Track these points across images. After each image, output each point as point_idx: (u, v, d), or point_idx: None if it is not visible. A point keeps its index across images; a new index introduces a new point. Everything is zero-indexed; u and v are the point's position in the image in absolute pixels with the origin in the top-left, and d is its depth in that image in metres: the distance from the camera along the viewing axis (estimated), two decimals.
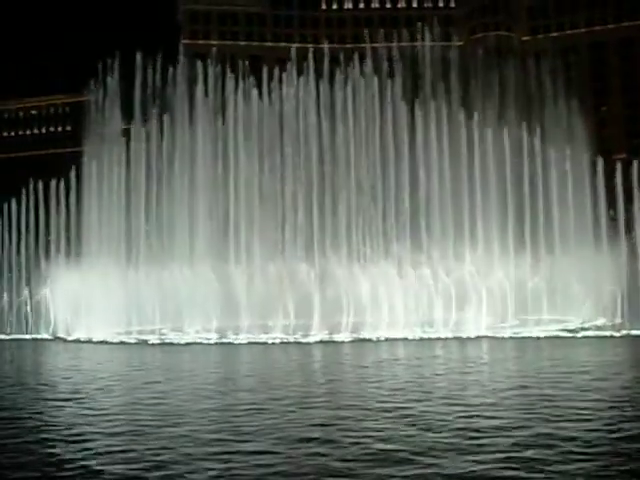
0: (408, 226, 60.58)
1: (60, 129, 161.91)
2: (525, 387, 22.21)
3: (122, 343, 48.48)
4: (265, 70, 71.55)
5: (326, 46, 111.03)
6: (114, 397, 22.28)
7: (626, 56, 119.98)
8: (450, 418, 16.89)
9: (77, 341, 51.33)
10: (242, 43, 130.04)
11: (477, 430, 15.38)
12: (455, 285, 50.49)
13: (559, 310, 52.69)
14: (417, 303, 50.06)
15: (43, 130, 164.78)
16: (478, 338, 45.67)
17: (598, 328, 48.90)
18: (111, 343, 48.74)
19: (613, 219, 59.67)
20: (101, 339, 50.34)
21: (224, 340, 47.35)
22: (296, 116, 69.68)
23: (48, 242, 66.85)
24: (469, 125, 65.14)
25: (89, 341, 50.47)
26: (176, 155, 67.63)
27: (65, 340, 52.43)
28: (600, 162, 61.70)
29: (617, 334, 45.98)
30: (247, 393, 22.29)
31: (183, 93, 75.83)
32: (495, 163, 62.85)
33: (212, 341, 47.33)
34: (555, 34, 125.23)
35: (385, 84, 74.41)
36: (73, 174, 69.12)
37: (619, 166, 61.42)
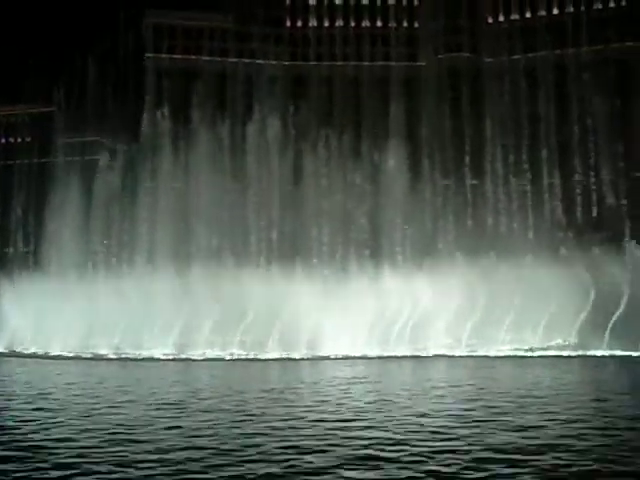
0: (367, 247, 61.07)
1: (20, 140, 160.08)
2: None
3: (78, 358, 47.98)
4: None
5: (288, 63, 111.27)
6: None
7: (586, 79, 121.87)
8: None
9: (33, 355, 50.67)
10: (206, 58, 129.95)
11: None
12: (412, 303, 50.79)
13: (517, 329, 53.05)
14: (378, 321, 50.15)
15: (2, 140, 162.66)
16: (435, 357, 46.06)
17: (556, 348, 49.53)
18: (67, 358, 48.21)
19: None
20: (57, 353, 49.82)
21: (182, 356, 47.14)
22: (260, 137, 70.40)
23: (5, 254, 66.22)
24: None
25: (45, 356, 49.86)
26: (139, 170, 67.54)
27: (20, 354, 51.70)
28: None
29: (573, 354, 46.70)
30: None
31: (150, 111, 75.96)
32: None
33: (170, 357, 47.09)
34: (518, 56, 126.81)
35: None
36: (33, 185, 68.66)
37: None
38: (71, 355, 49.09)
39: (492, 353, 47.69)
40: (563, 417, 19.64)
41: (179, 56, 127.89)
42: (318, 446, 15.72)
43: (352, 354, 46.36)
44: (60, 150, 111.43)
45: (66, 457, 14.75)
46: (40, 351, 51.61)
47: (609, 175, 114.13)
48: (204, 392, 27.68)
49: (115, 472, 13.51)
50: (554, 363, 41.57)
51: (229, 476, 13.21)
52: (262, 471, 13.52)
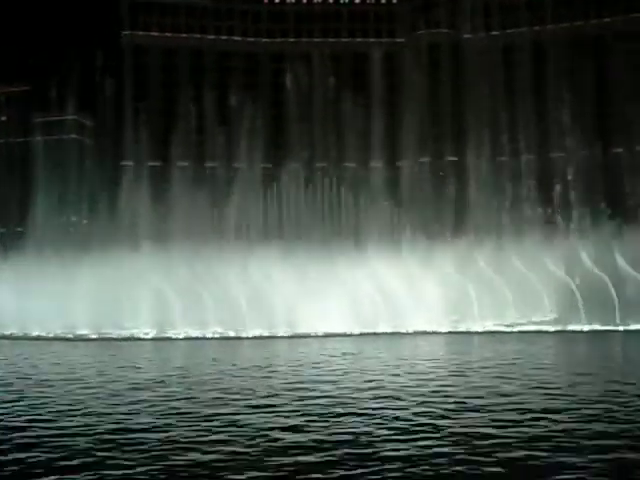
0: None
1: None
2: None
3: (58, 339, 47.69)
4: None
5: (267, 40, 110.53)
6: None
7: (566, 56, 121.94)
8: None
9: (10, 337, 50.20)
10: (183, 35, 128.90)
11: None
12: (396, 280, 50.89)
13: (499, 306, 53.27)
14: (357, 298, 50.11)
15: None
16: (415, 334, 46.22)
17: (536, 323, 49.90)
18: (46, 339, 47.90)
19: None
20: (36, 334, 49.49)
21: (162, 335, 47.01)
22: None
23: None
24: None
25: (24, 337, 49.47)
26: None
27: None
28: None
29: (551, 329, 47.07)
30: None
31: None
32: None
33: (149, 336, 46.97)
34: (496, 32, 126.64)
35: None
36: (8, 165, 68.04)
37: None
38: (51, 336, 48.76)
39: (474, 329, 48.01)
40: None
41: (156, 33, 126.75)
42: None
43: (332, 331, 46.37)
44: (37, 129, 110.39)
45: None
46: (18, 333, 51.15)
47: (585, 151, 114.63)
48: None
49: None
50: (533, 339, 41.84)
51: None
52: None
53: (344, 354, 33.56)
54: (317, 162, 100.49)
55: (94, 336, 47.78)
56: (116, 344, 43.57)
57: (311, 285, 49.10)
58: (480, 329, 47.87)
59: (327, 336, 45.24)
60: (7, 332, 51.45)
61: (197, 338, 46.14)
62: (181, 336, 46.55)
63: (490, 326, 48.66)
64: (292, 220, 72.71)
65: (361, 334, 46.07)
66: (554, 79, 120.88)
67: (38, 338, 48.33)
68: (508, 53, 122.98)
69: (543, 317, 51.50)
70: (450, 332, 47.28)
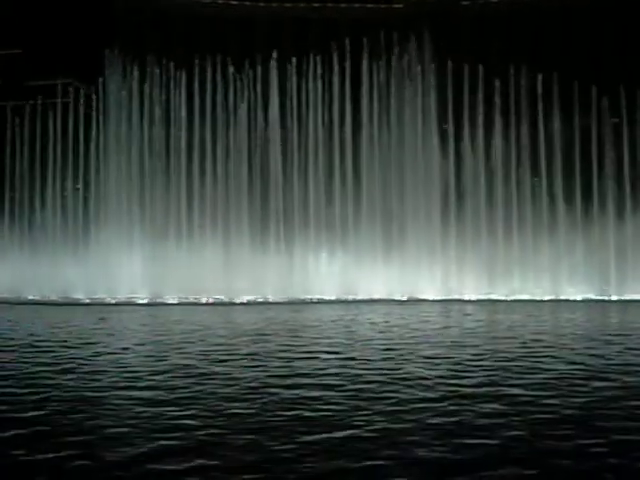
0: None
1: None
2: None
3: (52, 303, 47.76)
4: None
5: (263, 4, 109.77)
6: None
7: (566, 24, 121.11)
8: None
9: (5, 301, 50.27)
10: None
11: None
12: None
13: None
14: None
15: None
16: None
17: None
18: (37, 303, 47.94)
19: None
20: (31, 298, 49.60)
21: (157, 300, 47.11)
22: None
23: None
24: None
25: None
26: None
27: None
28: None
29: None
30: None
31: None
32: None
33: (144, 301, 47.09)
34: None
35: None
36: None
37: None
38: (44, 300, 48.85)
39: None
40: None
41: None
42: None
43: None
44: (28, 93, 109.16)
45: None
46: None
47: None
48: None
49: None
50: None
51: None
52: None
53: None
54: None
55: (88, 301, 47.85)
56: (110, 309, 43.58)
57: None
58: None
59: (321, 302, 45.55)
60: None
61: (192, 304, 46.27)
62: (175, 301, 46.64)
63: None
64: None
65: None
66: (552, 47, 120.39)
67: (32, 302, 48.45)
68: (507, 20, 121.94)
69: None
70: None
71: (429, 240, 53.23)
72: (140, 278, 49.75)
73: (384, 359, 18.92)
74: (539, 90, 73.07)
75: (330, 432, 10.73)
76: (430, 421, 11.48)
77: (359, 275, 50.14)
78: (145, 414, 12.13)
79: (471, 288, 50.82)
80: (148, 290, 49.38)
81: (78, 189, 64.01)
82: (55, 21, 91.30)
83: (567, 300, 49.40)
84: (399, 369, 17.00)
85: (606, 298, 49.11)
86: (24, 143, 69.99)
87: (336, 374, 16.32)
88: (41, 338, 25.11)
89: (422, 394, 13.83)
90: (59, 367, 17.68)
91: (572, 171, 62.78)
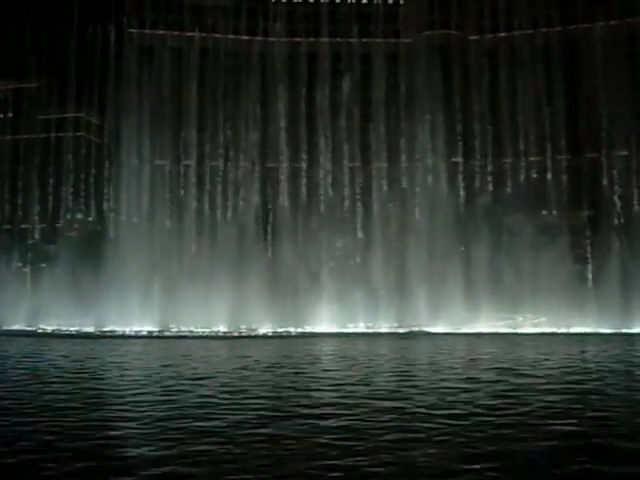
0: None
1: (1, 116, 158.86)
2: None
3: (62, 335, 47.95)
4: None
5: (274, 39, 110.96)
6: None
7: (571, 58, 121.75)
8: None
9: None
10: (189, 34, 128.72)
11: None
12: None
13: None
14: None
15: None
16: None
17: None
18: (50, 335, 48.14)
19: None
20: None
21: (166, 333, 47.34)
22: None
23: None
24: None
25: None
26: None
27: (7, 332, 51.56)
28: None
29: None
30: None
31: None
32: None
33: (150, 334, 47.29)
34: (503, 34, 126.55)
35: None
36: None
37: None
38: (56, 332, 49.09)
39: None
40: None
41: (163, 32, 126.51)
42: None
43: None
44: (41, 126, 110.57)
45: None
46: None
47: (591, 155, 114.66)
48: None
49: None
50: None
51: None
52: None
53: None
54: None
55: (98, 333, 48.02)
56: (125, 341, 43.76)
57: None
58: None
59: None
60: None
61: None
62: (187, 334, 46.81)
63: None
64: None
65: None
66: (561, 81, 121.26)
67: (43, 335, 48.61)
68: (513, 55, 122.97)
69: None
70: None
71: None
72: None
73: None
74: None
75: None
76: None
77: None
78: None
79: None
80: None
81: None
82: (67, 56, 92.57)
83: None
84: None
85: None
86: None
87: None
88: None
89: None
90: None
91: None
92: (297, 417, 15.85)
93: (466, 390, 20.60)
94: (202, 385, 21.42)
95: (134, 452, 12.50)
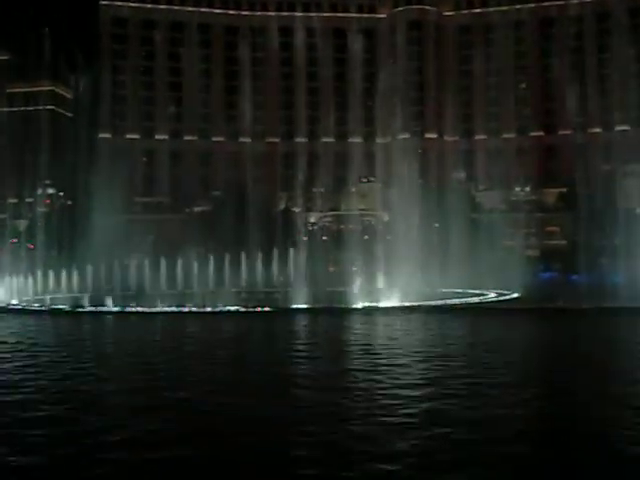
0: None
1: None
2: None
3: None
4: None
5: (248, 13, 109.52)
6: None
7: (547, 35, 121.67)
8: None
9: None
10: (163, 7, 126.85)
11: None
12: None
13: None
14: None
15: None
16: None
17: None
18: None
19: None
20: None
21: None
22: None
23: None
24: None
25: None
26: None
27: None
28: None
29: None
30: None
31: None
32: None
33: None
34: (478, 10, 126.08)
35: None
36: None
37: None
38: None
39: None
40: None
41: (135, 4, 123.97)
42: None
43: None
44: (10, 99, 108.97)
45: None
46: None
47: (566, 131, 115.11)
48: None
49: None
50: None
51: None
52: None
53: None
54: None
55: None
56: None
57: None
58: None
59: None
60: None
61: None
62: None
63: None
64: None
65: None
66: (532, 57, 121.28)
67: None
68: (489, 31, 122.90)
69: None
70: None
71: None
72: None
73: None
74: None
75: None
76: None
77: None
78: None
79: None
80: None
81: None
82: (40, 28, 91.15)
83: None
84: None
85: None
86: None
87: None
88: None
89: None
90: None
91: None
92: None
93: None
94: None
95: None
